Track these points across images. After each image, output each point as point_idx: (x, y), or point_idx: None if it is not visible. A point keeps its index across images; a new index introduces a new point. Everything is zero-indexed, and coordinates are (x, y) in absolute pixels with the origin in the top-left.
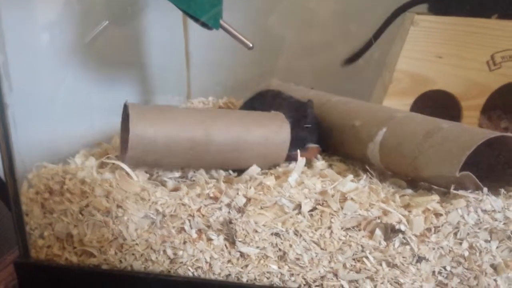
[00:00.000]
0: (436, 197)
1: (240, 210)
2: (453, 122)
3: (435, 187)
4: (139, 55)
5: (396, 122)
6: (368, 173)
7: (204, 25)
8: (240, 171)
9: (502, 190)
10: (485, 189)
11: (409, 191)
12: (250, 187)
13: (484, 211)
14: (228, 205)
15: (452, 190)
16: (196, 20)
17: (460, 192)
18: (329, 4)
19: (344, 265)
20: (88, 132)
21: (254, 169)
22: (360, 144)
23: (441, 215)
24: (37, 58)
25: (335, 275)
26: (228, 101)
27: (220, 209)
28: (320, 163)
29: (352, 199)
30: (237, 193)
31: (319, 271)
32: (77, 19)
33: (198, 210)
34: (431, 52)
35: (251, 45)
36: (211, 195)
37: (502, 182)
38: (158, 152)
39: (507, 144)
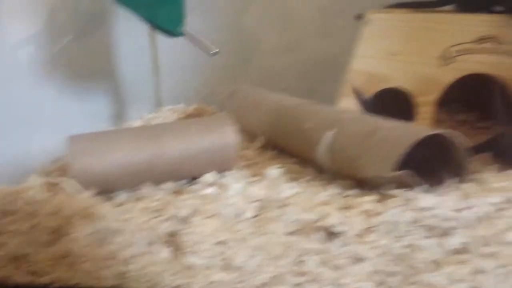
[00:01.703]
0: (373, 197)
1: (185, 221)
2: (396, 121)
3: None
4: (109, 65)
5: (343, 124)
6: (317, 175)
7: (167, 33)
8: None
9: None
10: (422, 186)
11: (354, 192)
12: (195, 198)
13: (419, 209)
14: (174, 217)
15: (388, 189)
16: (159, 28)
17: (396, 191)
18: (303, 5)
19: (288, 269)
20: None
21: (207, 177)
22: (310, 147)
23: (378, 214)
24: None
25: (280, 279)
26: (199, 108)
27: (166, 221)
28: (273, 169)
29: (292, 204)
30: (182, 204)
31: (264, 277)
32: (46, 32)
33: (144, 223)
34: (385, 50)
35: (217, 49)
36: (157, 207)
37: (441, 177)
38: (107, 179)
39: (448, 140)
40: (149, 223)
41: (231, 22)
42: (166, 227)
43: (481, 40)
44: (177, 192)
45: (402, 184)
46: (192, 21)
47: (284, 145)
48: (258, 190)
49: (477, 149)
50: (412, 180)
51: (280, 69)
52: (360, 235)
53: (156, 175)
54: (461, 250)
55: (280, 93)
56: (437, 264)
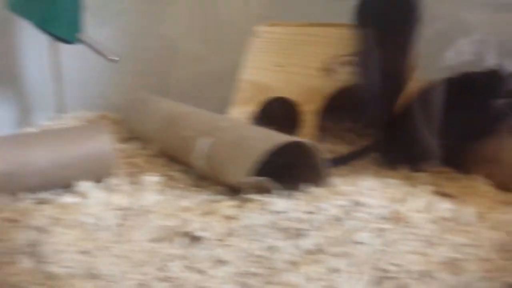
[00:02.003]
0: (234, 202)
1: (44, 231)
2: (265, 130)
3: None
4: (12, 73)
5: (218, 132)
6: (196, 182)
7: (62, 40)
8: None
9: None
10: (277, 191)
11: (217, 197)
12: (56, 207)
13: (274, 212)
14: (33, 227)
15: (248, 194)
16: (53, 36)
17: (255, 196)
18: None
19: (153, 276)
20: None
21: (79, 186)
22: (189, 154)
23: (238, 218)
24: None
25: (146, 286)
26: (102, 115)
27: (24, 231)
28: (150, 176)
29: (155, 211)
30: (41, 214)
31: (130, 284)
32: None
33: (2, 233)
34: (272, 61)
35: (116, 57)
36: (15, 218)
37: (300, 182)
38: None
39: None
40: (7, 233)
41: (147, 29)
42: (24, 237)
43: (357, 53)
44: (41, 202)
45: (261, 189)
46: (103, 27)
47: (172, 153)
48: (121, 199)
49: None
50: (269, 185)
51: (194, 77)
52: (221, 239)
53: (23, 184)
54: (315, 251)
55: (180, 102)
56: (294, 264)
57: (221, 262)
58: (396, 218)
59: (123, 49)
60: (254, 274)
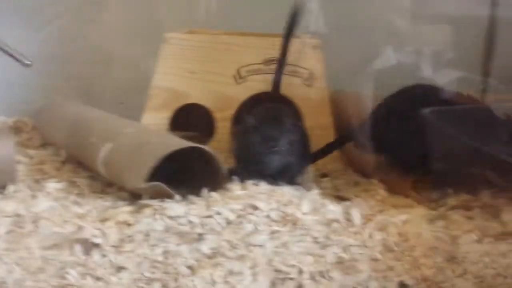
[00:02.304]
0: (130, 208)
1: None
2: (166, 135)
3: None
4: None
5: (121, 138)
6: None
7: None
8: None
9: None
10: (176, 195)
11: (115, 203)
12: None
13: (170, 217)
14: None
15: (144, 200)
16: None
17: (150, 201)
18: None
19: (49, 284)
20: None
21: None
22: (94, 160)
23: (133, 224)
24: None
25: None
26: (18, 121)
27: None
28: (53, 184)
29: (47, 218)
30: None
31: None
32: None
33: None
34: (184, 68)
35: (28, 62)
36: None
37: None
38: None
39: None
40: None
41: (81, 34)
42: None
43: (269, 61)
44: None
45: (161, 195)
46: (39, 32)
47: (80, 159)
48: (15, 205)
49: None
50: (166, 191)
51: (125, 82)
52: (118, 246)
53: None
54: (213, 255)
55: (109, 108)
56: (193, 269)
57: (119, 268)
58: (289, 221)
59: (55, 53)
60: (153, 280)
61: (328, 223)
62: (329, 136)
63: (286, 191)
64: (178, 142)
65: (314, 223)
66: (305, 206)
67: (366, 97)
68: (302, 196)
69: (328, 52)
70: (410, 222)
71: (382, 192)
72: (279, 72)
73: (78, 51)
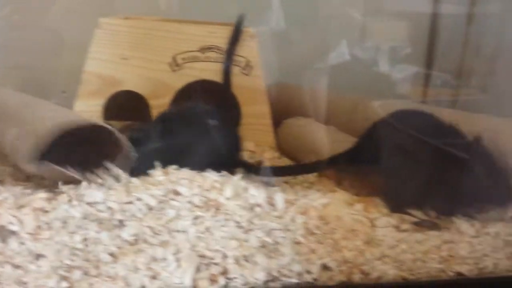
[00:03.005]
0: (45, 195)
1: None
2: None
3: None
4: None
5: (24, 122)
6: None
7: None
8: None
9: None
10: (92, 181)
11: (29, 190)
12: None
13: (89, 204)
14: None
15: (58, 186)
16: None
17: (65, 187)
18: None
19: None
20: None
21: None
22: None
23: (49, 211)
24: None
25: None
26: None
27: None
28: None
29: None
30: None
31: None
32: None
33: None
34: (118, 54)
35: None
36: None
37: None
38: None
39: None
40: None
41: (32, 20)
42: None
43: (205, 49)
44: None
45: (61, 178)
46: None
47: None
48: None
49: None
50: (62, 173)
51: (65, 71)
52: (34, 233)
53: None
54: (135, 241)
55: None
56: (114, 256)
57: (37, 256)
58: (212, 206)
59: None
60: (74, 267)
61: (251, 207)
62: (266, 124)
63: (208, 177)
64: (72, 119)
65: (237, 208)
66: (228, 191)
67: (314, 91)
68: (224, 182)
69: (285, 46)
70: (330, 205)
71: (311, 178)
72: (227, 73)
73: (23, 39)
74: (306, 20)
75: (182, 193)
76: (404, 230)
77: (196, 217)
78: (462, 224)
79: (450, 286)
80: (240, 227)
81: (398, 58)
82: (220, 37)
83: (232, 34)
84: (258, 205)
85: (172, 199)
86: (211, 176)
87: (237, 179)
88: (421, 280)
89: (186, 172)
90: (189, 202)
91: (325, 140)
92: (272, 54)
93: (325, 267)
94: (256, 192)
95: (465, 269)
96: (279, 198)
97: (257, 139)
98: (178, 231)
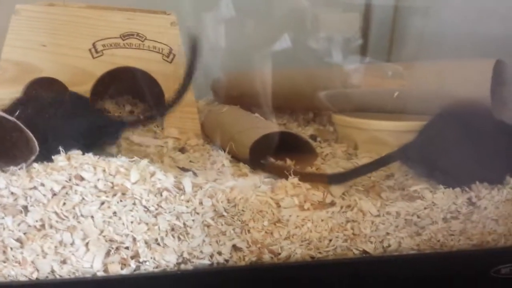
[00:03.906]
0: None
1: None
2: None
3: None
4: None
5: None
6: None
7: None
8: None
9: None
10: None
11: None
12: None
13: None
14: None
15: None
16: None
17: None
18: None
19: None
20: None
21: None
22: None
23: None
24: None
25: None
26: None
27: None
28: None
29: None
30: None
31: None
32: None
33: None
34: (36, 41)
35: None
36: None
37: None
38: None
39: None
40: None
41: None
42: None
43: (126, 36)
44: None
45: None
46: None
47: None
48: None
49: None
50: None
51: None
52: None
53: None
54: (41, 227)
55: None
56: (21, 241)
57: None
58: (118, 191)
59: None
60: None
61: (159, 192)
62: (191, 112)
63: (113, 161)
64: None
65: (144, 192)
66: (134, 176)
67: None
68: (130, 166)
69: (239, 35)
70: (238, 188)
71: (226, 162)
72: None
73: None
74: (257, 9)
75: (86, 178)
76: (308, 209)
77: (102, 202)
78: (364, 204)
79: (356, 264)
80: (148, 211)
81: (351, 48)
82: (140, 23)
83: (190, 50)
84: (166, 189)
85: (77, 184)
86: (116, 161)
87: (143, 164)
88: (328, 258)
89: (89, 157)
90: (94, 187)
91: (246, 126)
92: (222, 42)
93: (235, 248)
94: (163, 177)
95: (370, 247)
96: (187, 182)
97: (182, 126)
98: (84, 216)
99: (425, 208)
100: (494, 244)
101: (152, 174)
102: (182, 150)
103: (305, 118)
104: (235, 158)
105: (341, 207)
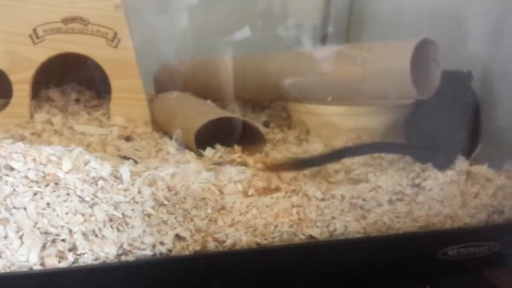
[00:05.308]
0: None
1: None
2: None
3: None
4: None
5: None
6: None
7: None
8: None
9: None
10: None
11: None
12: None
13: None
14: None
15: None
16: None
17: None
18: None
19: None
20: None
21: None
22: None
23: None
24: None
25: None
26: None
27: None
28: None
29: None
30: None
31: None
32: None
33: None
34: None
35: None
36: None
37: None
38: None
39: None
40: None
41: None
42: None
43: (68, 20)
44: None
45: None
46: None
47: None
48: None
49: None
50: None
51: None
52: None
53: None
54: None
55: None
56: None
57: None
58: (50, 181)
59: None
60: None
61: (94, 181)
62: (139, 99)
63: (43, 150)
64: None
65: (78, 181)
66: (66, 165)
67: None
68: (62, 155)
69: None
70: (179, 175)
71: (172, 150)
72: None
73: None
74: None
75: (16, 168)
76: (252, 195)
77: (35, 193)
78: (309, 188)
79: (303, 249)
80: (84, 201)
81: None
82: (83, 7)
83: None
84: (101, 178)
85: (6, 175)
86: (47, 149)
87: (77, 152)
88: (274, 244)
89: (18, 146)
90: (25, 177)
91: (193, 112)
92: (186, 29)
93: (178, 237)
94: (98, 165)
95: (316, 232)
96: (125, 170)
97: (130, 114)
98: (17, 208)
99: (369, 191)
100: (441, 226)
101: (87, 163)
102: (128, 138)
103: (259, 105)
104: (184, 145)
105: (286, 192)
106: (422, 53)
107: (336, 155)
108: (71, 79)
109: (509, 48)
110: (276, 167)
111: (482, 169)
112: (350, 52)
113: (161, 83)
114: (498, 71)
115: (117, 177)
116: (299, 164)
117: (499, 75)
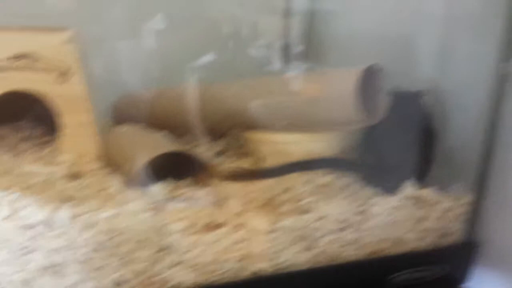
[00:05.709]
0: None
1: None
2: None
3: None
4: None
5: None
6: None
7: None
8: None
9: None
10: None
11: None
12: None
13: None
14: None
15: None
16: None
17: None
18: None
19: None
20: None
21: None
22: None
23: None
24: None
25: None
26: None
27: None
28: None
29: None
30: None
31: None
32: None
33: None
34: None
35: None
36: None
37: None
38: None
39: None
40: None
41: None
42: None
43: (16, 57)
44: None
45: None
46: None
47: None
48: None
49: None
50: None
51: None
52: None
53: None
54: None
55: None
56: None
57: None
58: None
59: None
60: None
61: (31, 227)
62: (89, 134)
63: None
64: None
65: (13, 228)
66: (3, 212)
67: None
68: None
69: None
70: (120, 216)
71: (116, 188)
72: None
73: None
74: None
75: None
76: (196, 233)
77: None
78: (255, 221)
79: (251, 284)
80: (19, 249)
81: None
82: (31, 43)
83: None
84: (39, 223)
85: None
86: None
87: (14, 198)
88: (222, 281)
89: None
90: None
91: (137, 148)
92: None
93: (118, 282)
94: (35, 210)
95: (264, 265)
96: (63, 214)
97: (80, 150)
98: None
99: (316, 220)
100: (388, 252)
101: (23, 208)
102: (75, 176)
103: (217, 133)
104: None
105: (233, 227)
106: (370, 79)
107: (292, 167)
108: (24, 116)
109: (459, 68)
110: (237, 177)
111: (430, 192)
112: (302, 79)
113: (121, 113)
114: (449, 91)
115: (54, 222)
116: (258, 174)
117: (450, 95)
